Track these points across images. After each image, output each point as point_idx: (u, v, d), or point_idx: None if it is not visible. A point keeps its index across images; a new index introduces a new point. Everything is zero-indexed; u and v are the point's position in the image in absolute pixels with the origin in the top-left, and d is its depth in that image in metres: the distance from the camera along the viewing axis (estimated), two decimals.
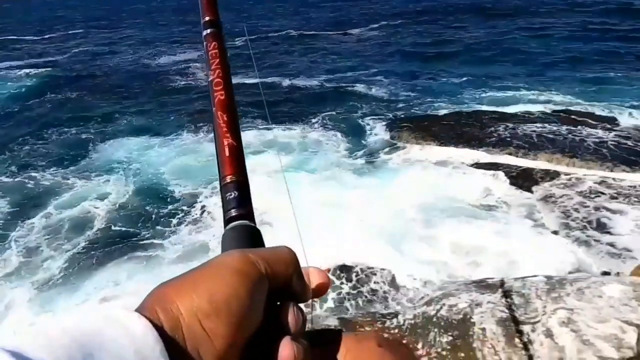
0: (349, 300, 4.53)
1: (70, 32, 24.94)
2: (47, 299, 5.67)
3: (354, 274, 5.07)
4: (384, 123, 10.05)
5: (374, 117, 10.54)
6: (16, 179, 8.86)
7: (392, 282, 4.94)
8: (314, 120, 10.73)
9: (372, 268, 5.25)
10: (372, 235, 6.01)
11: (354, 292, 4.62)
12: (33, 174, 8.99)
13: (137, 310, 0.42)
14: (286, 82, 13.67)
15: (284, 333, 0.46)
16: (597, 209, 6.32)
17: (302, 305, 0.50)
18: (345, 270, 5.07)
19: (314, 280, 0.52)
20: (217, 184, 0.61)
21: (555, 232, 5.98)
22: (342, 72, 14.49)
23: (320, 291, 0.53)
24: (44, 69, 17.03)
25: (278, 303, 0.48)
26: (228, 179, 0.59)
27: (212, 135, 0.66)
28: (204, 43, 0.71)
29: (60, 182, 8.60)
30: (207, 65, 0.69)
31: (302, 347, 0.45)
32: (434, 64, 14.22)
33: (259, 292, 0.45)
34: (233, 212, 0.56)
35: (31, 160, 9.66)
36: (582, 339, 2.85)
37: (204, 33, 0.72)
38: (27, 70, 16.96)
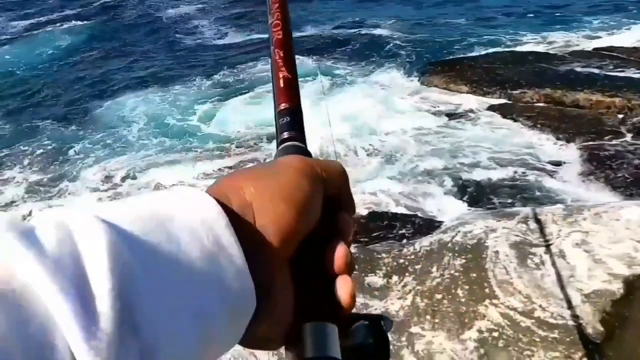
0: (366, 230, 4.66)
1: None
2: None
3: (373, 206, 5.19)
4: (412, 67, 9.80)
5: (401, 61, 10.28)
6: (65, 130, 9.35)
7: (412, 214, 5.02)
8: (337, 65, 10.55)
9: (391, 201, 5.35)
10: (397, 173, 6.08)
11: (373, 222, 4.75)
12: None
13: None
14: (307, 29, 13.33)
15: (337, 237, 0.48)
16: None
17: None
18: (365, 200, 5.20)
19: None
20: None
21: (596, 178, 5.73)
22: (364, 15, 14.00)
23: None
24: (71, 24, 16.95)
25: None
26: (282, 106, 0.61)
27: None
28: None
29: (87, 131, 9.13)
30: (268, 8, 0.72)
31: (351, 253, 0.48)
32: (465, 3, 13.56)
33: (317, 191, 0.47)
34: (285, 135, 0.58)
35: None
36: (594, 259, 2.88)
37: None
38: (55, 27, 16.87)
